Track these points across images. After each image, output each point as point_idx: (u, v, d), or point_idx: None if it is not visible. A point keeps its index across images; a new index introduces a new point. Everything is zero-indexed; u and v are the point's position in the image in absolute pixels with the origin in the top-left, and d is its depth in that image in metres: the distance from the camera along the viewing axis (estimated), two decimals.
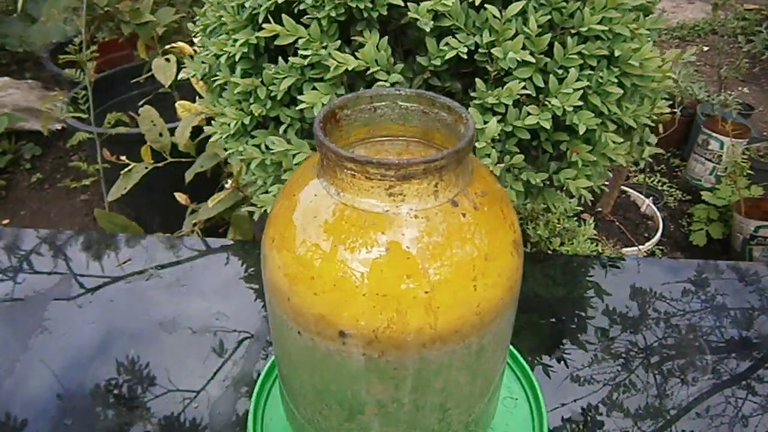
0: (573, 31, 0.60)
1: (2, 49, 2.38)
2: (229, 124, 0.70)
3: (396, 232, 0.34)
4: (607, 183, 1.47)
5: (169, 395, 0.53)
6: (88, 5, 1.56)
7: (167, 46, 1.40)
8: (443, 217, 0.34)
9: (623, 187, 1.46)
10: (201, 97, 1.10)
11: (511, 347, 0.56)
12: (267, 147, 0.69)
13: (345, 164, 0.33)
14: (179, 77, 1.01)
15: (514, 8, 0.58)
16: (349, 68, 0.58)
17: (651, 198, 1.42)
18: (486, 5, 0.58)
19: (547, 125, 0.60)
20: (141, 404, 0.53)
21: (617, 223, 1.30)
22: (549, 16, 0.60)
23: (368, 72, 0.58)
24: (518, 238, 0.38)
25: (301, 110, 0.67)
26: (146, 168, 1.13)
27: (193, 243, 0.75)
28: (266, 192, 0.72)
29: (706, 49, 2.63)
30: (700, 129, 1.68)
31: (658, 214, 1.41)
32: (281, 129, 0.67)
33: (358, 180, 0.34)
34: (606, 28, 0.59)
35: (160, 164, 1.17)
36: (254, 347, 0.59)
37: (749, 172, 1.39)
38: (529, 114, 0.61)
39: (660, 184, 1.67)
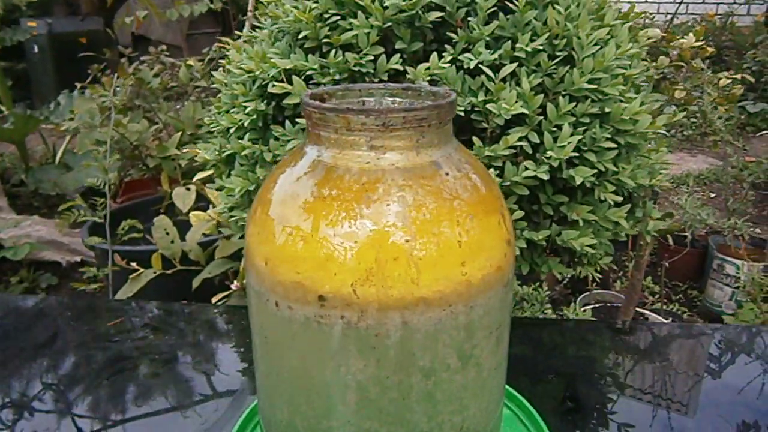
0: (564, 93, 0.63)
1: (37, 193, 2.52)
2: (233, 194, 0.71)
3: (380, 183, 0.33)
4: (622, 299, 1.43)
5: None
6: (119, 140, 1.68)
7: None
8: (425, 172, 0.34)
9: (641, 310, 1.42)
10: (215, 206, 1.14)
11: (515, 393, 0.52)
12: None
13: (327, 118, 0.34)
14: (196, 179, 1.05)
15: (507, 69, 0.62)
16: None
17: (670, 319, 1.37)
18: (480, 67, 0.62)
19: (545, 176, 0.61)
20: None
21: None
22: (540, 80, 0.63)
23: None
24: (507, 216, 0.37)
25: None
26: (155, 273, 1.14)
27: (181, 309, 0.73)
28: None
29: (713, 195, 2.69)
30: (714, 256, 1.66)
31: None
32: None
33: (341, 135, 0.34)
34: (594, 87, 0.62)
35: (168, 271, 1.17)
36: (241, 395, 0.55)
37: None
38: (526, 168, 0.62)
39: (680, 312, 1.62)
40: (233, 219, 0.72)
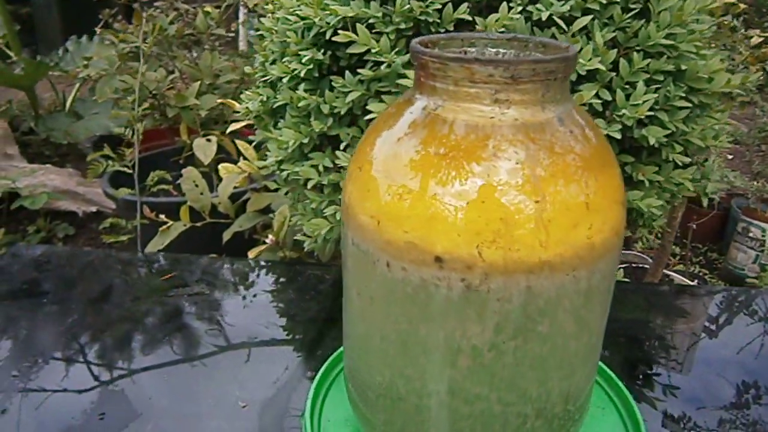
0: (638, 49, 0.61)
1: (48, 142, 2.48)
2: (286, 147, 0.69)
3: (503, 139, 0.31)
4: (651, 261, 1.43)
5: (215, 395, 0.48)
6: (140, 88, 1.64)
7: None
8: (549, 129, 0.32)
9: (665, 271, 1.41)
10: (245, 158, 1.12)
11: None
12: (324, 168, 0.68)
13: (448, 68, 0.32)
14: (229, 130, 1.03)
15: (581, 23, 0.59)
16: None
17: (696, 281, 1.37)
18: (553, 18, 0.59)
19: (618, 136, 0.59)
20: (190, 409, 0.47)
21: None
22: (614, 34, 0.60)
23: None
24: (621, 176, 0.36)
25: (362, 129, 0.67)
26: (185, 226, 1.12)
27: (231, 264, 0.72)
28: (322, 216, 0.70)
29: (730, 157, 2.66)
30: (736, 220, 1.65)
31: None
32: (341, 148, 0.66)
33: (461, 87, 0.32)
34: (673, 43, 0.59)
35: (198, 224, 1.16)
36: (307, 353, 0.54)
37: None
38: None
39: (701, 274, 1.62)
40: (284, 172, 0.71)
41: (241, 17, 2.42)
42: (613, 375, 0.49)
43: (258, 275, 0.69)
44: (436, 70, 0.32)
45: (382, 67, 0.60)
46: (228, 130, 1.03)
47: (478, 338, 0.33)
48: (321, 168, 0.68)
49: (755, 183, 1.54)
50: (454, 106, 0.32)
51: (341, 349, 0.50)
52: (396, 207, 0.33)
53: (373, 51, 0.60)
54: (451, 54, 0.31)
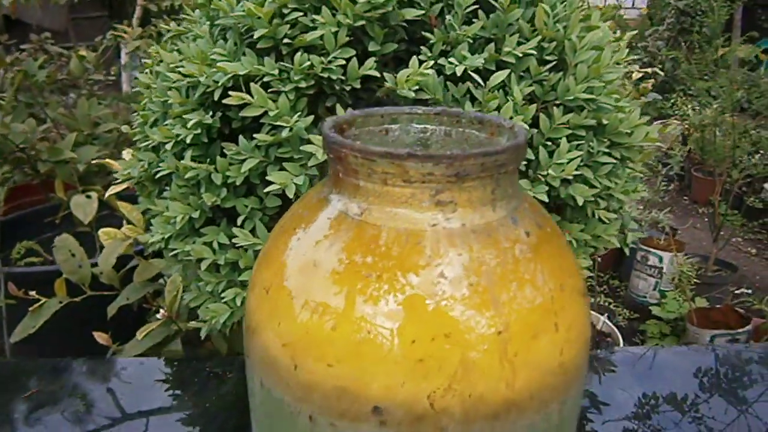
0: (557, 103, 0.57)
1: None
2: (174, 222, 0.60)
3: (448, 249, 0.25)
4: None
5: None
6: (2, 141, 1.46)
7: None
8: (504, 234, 0.26)
9: None
10: (130, 222, 1.00)
11: None
12: (220, 245, 0.59)
13: (375, 164, 0.25)
14: (108, 194, 0.90)
15: (498, 77, 0.54)
16: None
17: (606, 315, 1.38)
18: (469, 73, 0.54)
19: (545, 198, 0.54)
20: None
21: None
22: (531, 88, 0.57)
23: None
24: (574, 258, 0.30)
25: (261, 200, 0.59)
26: (60, 303, 0.98)
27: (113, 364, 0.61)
28: (220, 299, 0.60)
29: None
30: (635, 250, 1.70)
31: (616, 330, 1.37)
32: (239, 222, 0.58)
33: (393, 187, 0.25)
34: (592, 97, 0.56)
35: (77, 299, 1.02)
36: None
37: (696, 280, 1.40)
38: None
39: (606, 303, 1.65)
40: (173, 252, 0.61)
41: (123, 58, 2.27)
42: None
43: (155, 375, 0.58)
44: (358, 165, 0.25)
45: (284, 131, 0.53)
46: (107, 194, 0.90)
47: None
48: (215, 245, 0.59)
49: (649, 213, 1.60)
50: (383, 212, 0.26)
51: None
52: (317, 335, 0.25)
53: (270, 113, 0.53)
54: (377, 148, 0.25)
